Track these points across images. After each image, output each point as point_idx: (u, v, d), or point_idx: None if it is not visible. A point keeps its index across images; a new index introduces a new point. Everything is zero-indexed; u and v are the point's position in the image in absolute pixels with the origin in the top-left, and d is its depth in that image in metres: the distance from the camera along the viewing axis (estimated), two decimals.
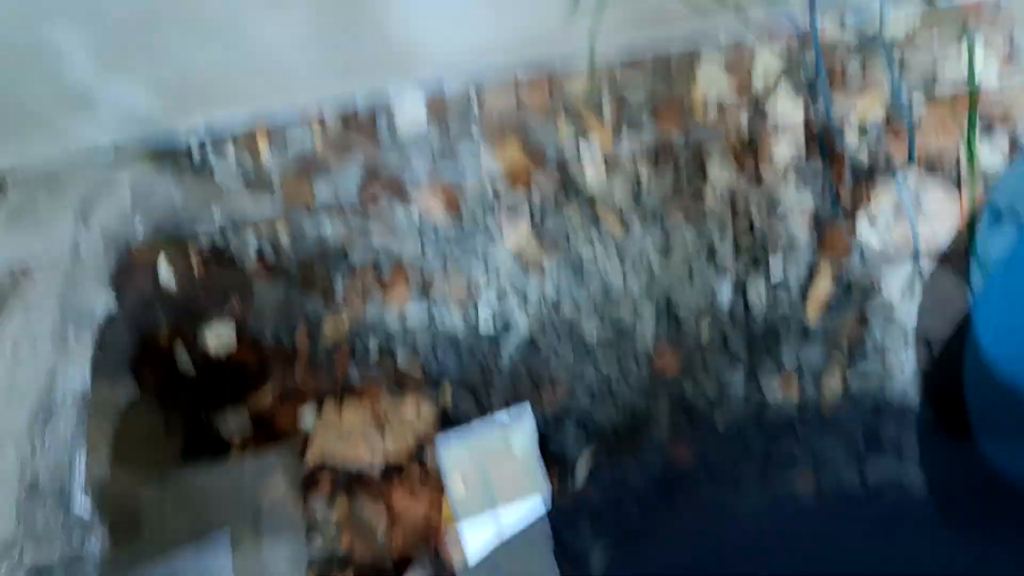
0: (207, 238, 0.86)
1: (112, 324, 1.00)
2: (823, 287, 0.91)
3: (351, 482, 0.97)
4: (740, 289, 0.93)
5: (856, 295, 0.90)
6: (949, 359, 0.21)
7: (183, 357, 0.98)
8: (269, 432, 0.97)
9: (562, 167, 0.97)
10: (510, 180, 0.96)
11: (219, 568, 0.65)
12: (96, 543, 0.53)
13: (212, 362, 0.98)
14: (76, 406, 0.50)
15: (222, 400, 0.98)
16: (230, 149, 0.99)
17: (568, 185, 0.96)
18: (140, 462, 0.91)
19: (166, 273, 0.97)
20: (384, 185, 0.97)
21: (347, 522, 0.95)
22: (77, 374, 0.51)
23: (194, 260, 0.97)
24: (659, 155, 0.97)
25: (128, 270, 0.99)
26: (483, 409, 0.96)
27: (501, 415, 0.91)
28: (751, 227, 0.93)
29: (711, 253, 0.92)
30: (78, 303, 0.50)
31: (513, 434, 0.90)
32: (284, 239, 0.98)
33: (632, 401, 0.94)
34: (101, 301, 0.52)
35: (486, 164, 0.97)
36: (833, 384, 0.86)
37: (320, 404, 0.96)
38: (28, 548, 0.47)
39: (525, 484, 0.89)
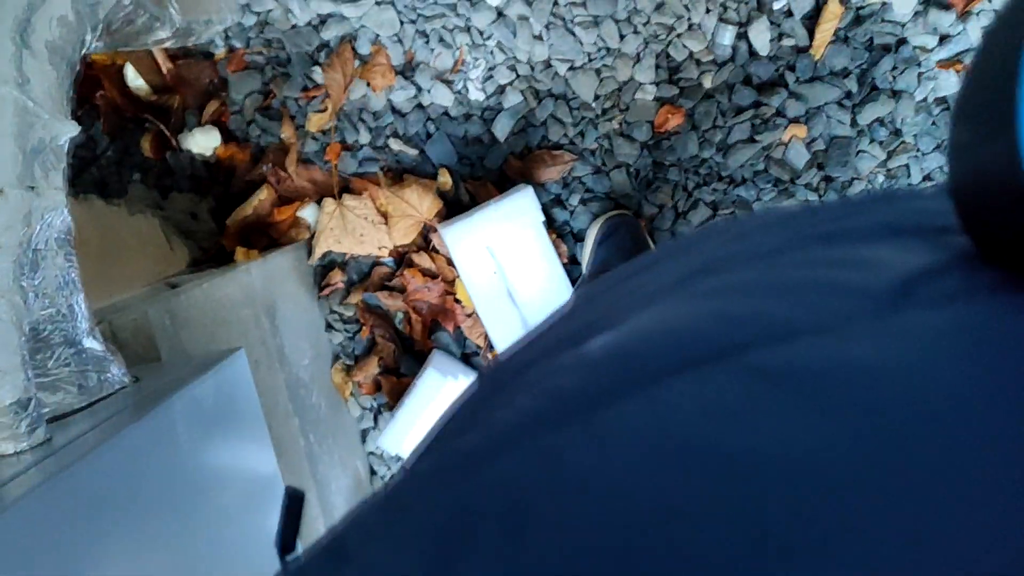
0: (171, 40, 0.80)
1: (87, 144, 0.96)
2: None
3: (362, 276, 0.97)
4: None
5: None
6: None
7: (172, 164, 0.95)
8: (273, 237, 0.96)
9: None
10: None
11: (242, 387, 0.64)
12: (115, 378, 0.51)
13: (201, 170, 0.95)
14: (62, 245, 0.47)
15: (220, 206, 0.96)
16: None
17: None
18: (147, 281, 0.91)
19: (134, 79, 0.92)
20: None
21: (364, 314, 0.97)
22: (55, 214, 0.47)
23: (162, 63, 0.92)
24: None
25: (92, 83, 0.93)
26: (484, 191, 0.94)
27: (503, 196, 0.88)
28: None
29: None
30: (39, 139, 0.46)
31: (517, 213, 0.87)
32: (252, 29, 0.92)
33: (636, 163, 0.91)
34: (65, 130, 0.48)
35: None
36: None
37: (319, 203, 0.94)
38: (45, 399, 0.46)
39: (535, 262, 0.89)
